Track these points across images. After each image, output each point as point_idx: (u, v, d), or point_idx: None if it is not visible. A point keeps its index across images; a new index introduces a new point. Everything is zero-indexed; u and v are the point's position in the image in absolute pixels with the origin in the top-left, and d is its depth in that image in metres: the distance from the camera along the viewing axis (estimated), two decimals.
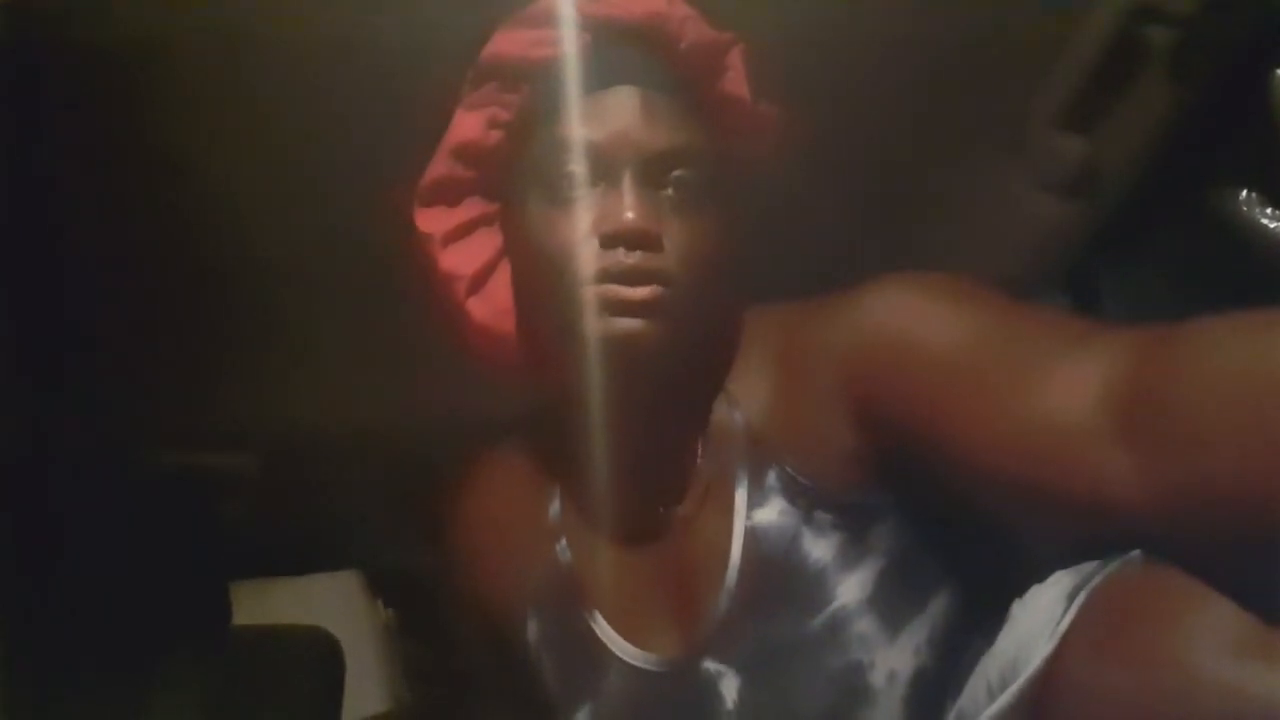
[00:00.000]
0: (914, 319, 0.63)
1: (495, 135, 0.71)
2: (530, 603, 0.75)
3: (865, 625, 0.64)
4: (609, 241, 0.64)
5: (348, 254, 0.84)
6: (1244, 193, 0.84)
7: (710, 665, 0.68)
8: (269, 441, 1.04)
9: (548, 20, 0.68)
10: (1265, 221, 0.84)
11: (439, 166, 0.72)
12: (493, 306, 0.73)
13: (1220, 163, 0.87)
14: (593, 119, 0.66)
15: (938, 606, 0.66)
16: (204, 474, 1.06)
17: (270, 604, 1.15)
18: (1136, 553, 0.52)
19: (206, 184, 0.85)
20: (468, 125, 0.71)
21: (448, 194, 0.72)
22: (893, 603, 0.65)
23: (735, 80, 0.71)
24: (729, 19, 0.71)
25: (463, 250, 0.72)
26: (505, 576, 0.77)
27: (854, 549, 0.66)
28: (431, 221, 0.72)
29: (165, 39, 0.77)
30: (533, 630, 0.75)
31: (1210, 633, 0.47)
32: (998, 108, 0.89)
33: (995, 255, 0.95)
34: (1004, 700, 0.53)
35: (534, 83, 0.69)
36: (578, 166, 0.66)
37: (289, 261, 0.90)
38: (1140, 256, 0.96)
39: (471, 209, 0.73)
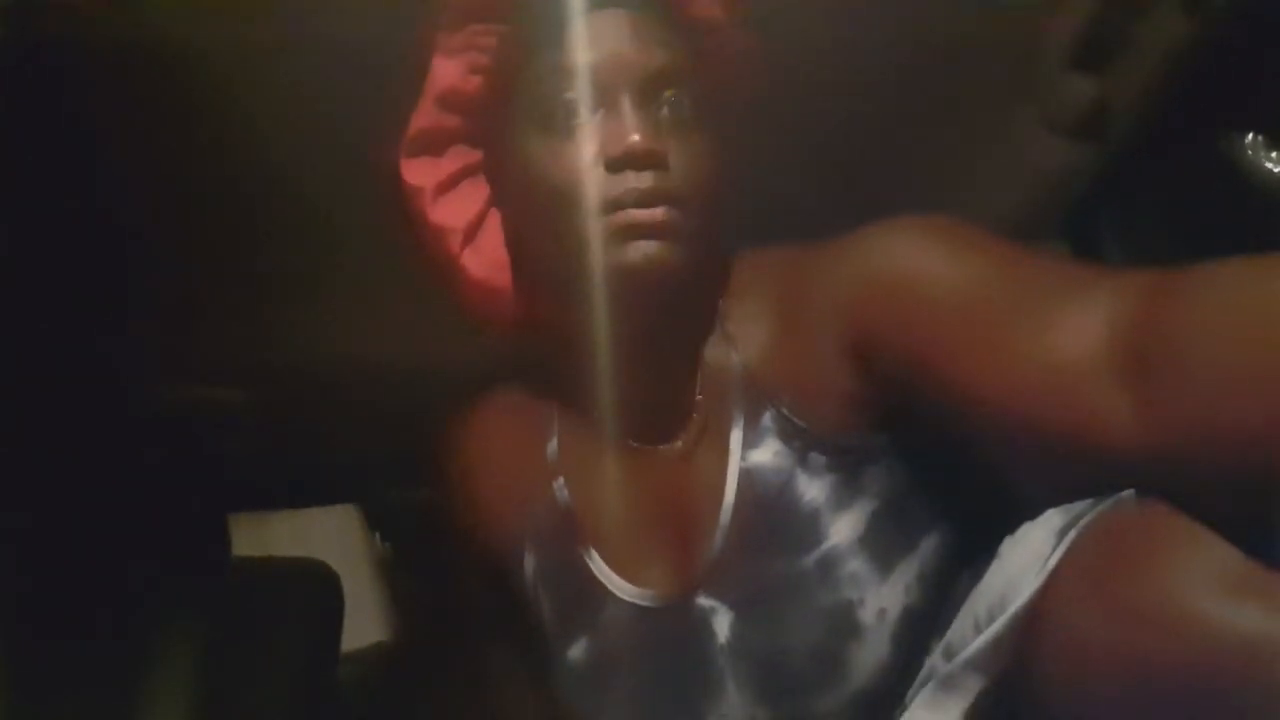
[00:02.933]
0: (914, 261, 0.63)
1: (475, 81, 0.69)
2: (527, 539, 0.76)
3: (856, 564, 0.65)
4: (617, 165, 0.63)
5: (347, 188, 0.83)
6: (1250, 136, 0.83)
7: (704, 601, 0.69)
8: (266, 375, 1.04)
9: None
10: (1271, 166, 0.83)
11: (423, 116, 0.70)
12: (486, 259, 0.72)
13: (1227, 106, 0.86)
14: (586, 42, 0.65)
15: (928, 546, 0.67)
16: (200, 407, 1.06)
17: (268, 537, 1.16)
18: (1129, 491, 0.53)
19: (219, 125, 0.84)
20: (448, 71, 0.69)
21: (434, 144, 0.71)
22: (884, 542, 0.66)
23: (709, 3, 0.70)
24: None
25: (453, 202, 0.72)
26: (503, 514, 0.78)
27: (847, 490, 0.66)
28: (419, 173, 0.71)
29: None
30: (529, 566, 0.75)
31: (1202, 571, 0.47)
32: (1005, 47, 0.87)
33: (998, 198, 0.94)
34: (990, 634, 0.54)
35: (514, 17, 0.68)
36: (577, 92, 0.64)
37: (287, 195, 0.89)
38: (1144, 201, 0.95)
39: (457, 158, 0.72)
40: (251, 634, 1.00)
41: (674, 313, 0.68)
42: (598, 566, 0.72)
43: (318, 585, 1.05)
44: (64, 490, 0.91)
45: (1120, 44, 0.86)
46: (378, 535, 1.24)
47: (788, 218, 0.72)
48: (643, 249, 0.63)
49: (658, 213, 0.63)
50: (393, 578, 1.22)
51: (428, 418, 0.82)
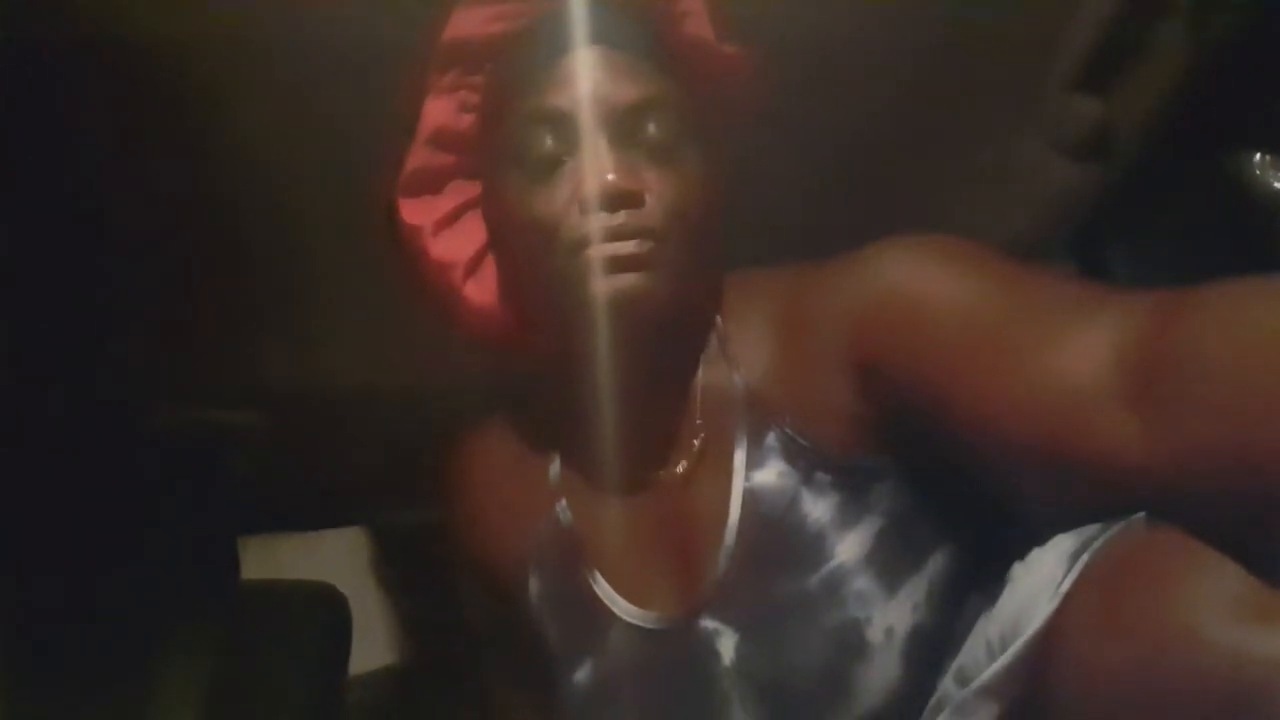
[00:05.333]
0: (919, 280, 0.63)
1: (467, 118, 0.71)
2: (531, 562, 0.76)
3: (863, 583, 0.65)
4: (592, 205, 0.64)
5: (351, 210, 0.84)
6: (1258, 156, 0.83)
7: (708, 624, 0.68)
8: (271, 398, 1.04)
9: None
10: (1278, 185, 0.83)
11: (418, 156, 0.72)
12: (489, 289, 0.73)
13: (1234, 125, 0.86)
14: (559, 85, 0.66)
15: (936, 565, 0.66)
16: (211, 429, 1.07)
17: (277, 560, 1.16)
18: (1140, 515, 0.52)
19: (217, 141, 0.84)
20: (439, 111, 0.71)
21: (430, 182, 0.72)
22: (891, 561, 0.65)
23: (696, 23, 0.70)
24: None
25: (454, 237, 0.73)
26: (507, 537, 0.77)
27: (853, 509, 0.66)
28: (418, 212, 0.72)
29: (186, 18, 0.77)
30: (534, 589, 0.75)
31: (1215, 596, 0.47)
32: (1010, 68, 0.88)
33: (1004, 218, 0.94)
34: (1004, 660, 0.53)
35: (496, 59, 0.69)
36: (551, 135, 0.66)
37: (298, 218, 0.89)
38: (1150, 220, 0.95)
39: (456, 194, 0.73)
40: (260, 657, 1.00)
41: (665, 340, 0.69)
42: (602, 589, 0.72)
43: (326, 608, 1.05)
44: (71, 511, 0.91)
45: (1124, 65, 0.86)
46: (386, 558, 1.24)
47: (793, 235, 0.72)
48: (620, 282, 0.64)
49: (633, 245, 0.64)
50: (400, 601, 1.21)
51: (431, 440, 0.82)
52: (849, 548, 0.65)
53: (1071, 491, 0.56)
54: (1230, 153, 0.85)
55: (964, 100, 0.88)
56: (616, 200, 0.64)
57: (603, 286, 0.64)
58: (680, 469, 0.71)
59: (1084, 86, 0.87)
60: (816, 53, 0.81)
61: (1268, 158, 0.83)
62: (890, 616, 0.64)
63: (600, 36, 0.67)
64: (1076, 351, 0.55)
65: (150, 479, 1.01)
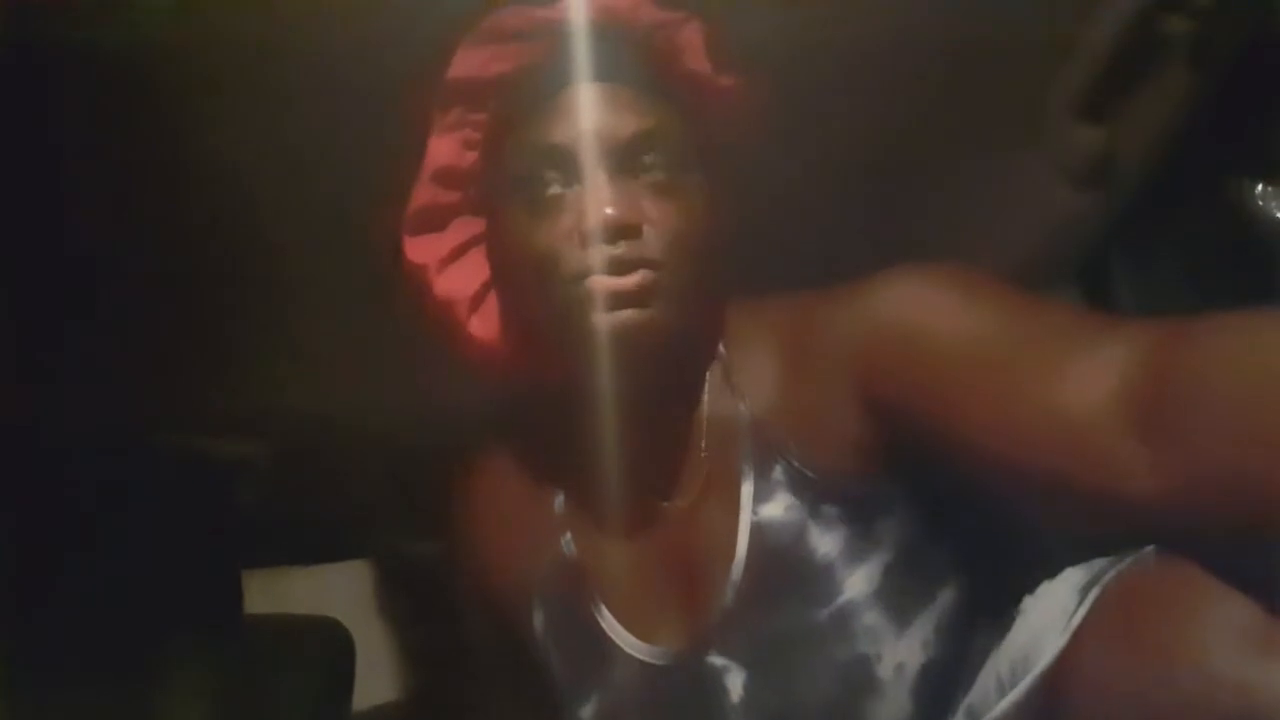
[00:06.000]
0: (926, 309, 0.63)
1: (471, 156, 0.71)
2: (536, 595, 0.75)
3: (872, 618, 0.64)
4: (591, 238, 0.65)
5: (359, 244, 0.84)
6: (1260, 186, 0.84)
7: (716, 659, 0.68)
8: (273, 426, 1.04)
9: (503, 34, 0.69)
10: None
11: (422, 194, 0.72)
12: (493, 323, 0.73)
13: (1236, 155, 0.86)
14: (559, 120, 0.67)
15: (945, 599, 0.66)
16: (215, 460, 1.07)
17: (281, 593, 1.16)
18: (1150, 548, 0.52)
19: (214, 170, 0.85)
20: (443, 149, 0.71)
21: (434, 220, 0.73)
22: (900, 596, 0.65)
23: (694, 57, 0.71)
24: (743, 12, 0.71)
25: (459, 273, 0.73)
26: (512, 570, 0.77)
27: (861, 542, 0.66)
28: (423, 251, 0.72)
29: (174, 40, 0.77)
30: (539, 622, 0.75)
31: (1226, 629, 0.46)
32: (1013, 97, 0.88)
33: (1008, 246, 0.94)
34: (1015, 695, 0.53)
35: (498, 97, 0.70)
36: (551, 170, 0.67)
37: (300, 250, 0.90)
38: (1154, 249, 0.95)
39: (461, 231, 0.73)
40: (264, 691, 0.99)
41: (667, 372, 0.69)
42: (608, 623, 0.72)
43: (331, 643, 1.05)
44: (76, 543, 0.91)
45: (1127, 94, 0.86)
46: (390, 591, 1.24)
47: (796, 260, 0.72)
48: (620, 317, 0.65)
49: (633, 279, 0.64)
50: (405, 635, 1.21)
51: (435, 470, 0.82)
52: (858, 582, 0.65)
53: (1078, 520, 0.55)
54: (1233, 181, 0.85)
55: (968, 126, 0.88)
56: (616, 232, 0.64)
57: (603, 320, 0.65)
58: (686, 502, 0.71)
59: (1087, 115, 0.87)
60: (820, 78, 0.81)
61: (1269, 188, 0.83)
62: (900, 653, 0.63)
63: (599, 71, 0.67)
64: (1083, 381, 0.55)
65: (154, 510, 1.01)
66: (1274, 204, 0.83)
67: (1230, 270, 0.87)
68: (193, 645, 0.97)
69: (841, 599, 0.65)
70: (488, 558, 0.79)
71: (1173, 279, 0.94)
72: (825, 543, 0.66)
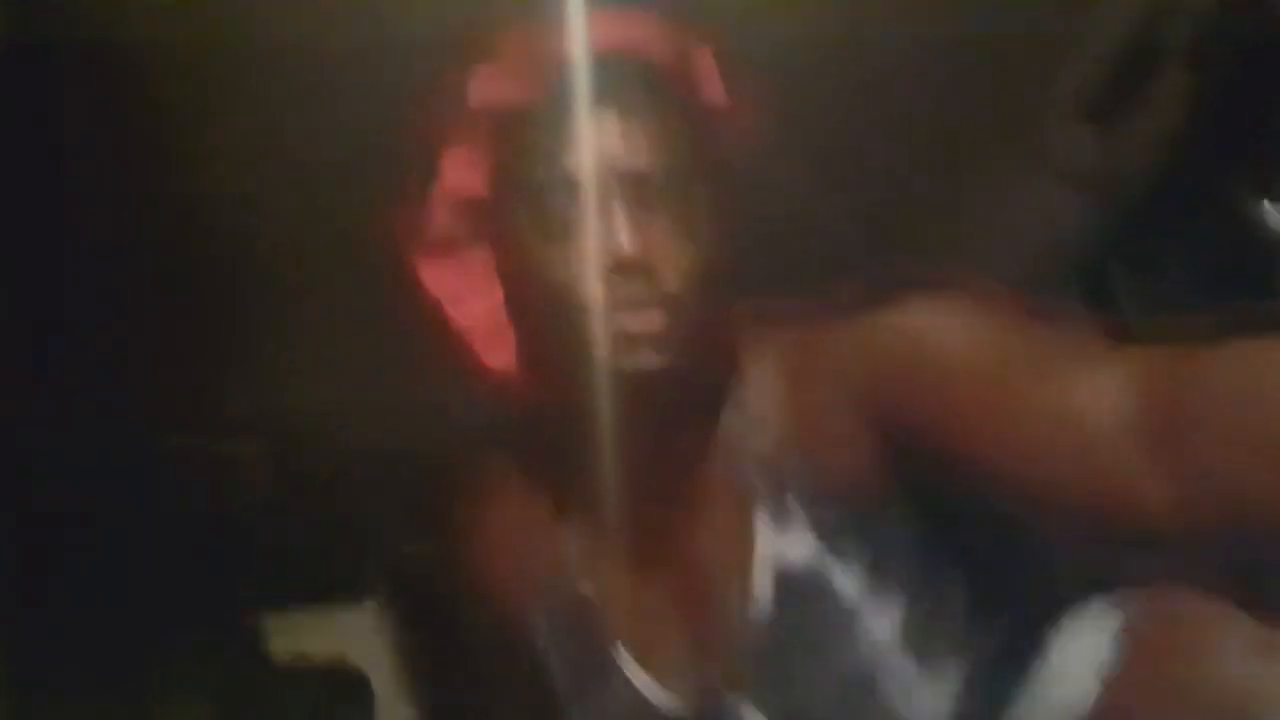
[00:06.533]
0: (938, 336, 0.62)
1: (484, 184, 0.70)
2: (550, 634, 0.74)
3: (899, 663, 0.63)
4: (606, 273, 0.64)
5: (359, 246, 0.84)
6: (1265, 203, 0.84)
7: (735, 702, 0.67)
8: (274, 426, 1.04)
9: (522, 62, 0.68)
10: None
11: (437, 219, 0.71)
12: (508, 351, 0.72)
13: (1239, 164, 0.86)
14: (573, 152, 0.66)
15: (971, 642, 0.65)
16: (212, 459, 1.06)
17: (298, 635, 1.14)
18: (1169, 584, 0.53)
19: (215, 174, 0.85)
20: (457, 177, 0.70)
21: (447, 247, 0.72)
22: (926, 637, 0.64)
23: (710, 87, 0.70)
24: (740, 23, 0.72)
25: (471, 300, 0.72)
26: (524, 607, 0.76)
27: (883, 582, 0.65)
28: (436, 277, 0.71)
29: (172, 39, 0.77)
30: (554, 661, 0.74)
31: (1257, 660, 0.47)
32: (1017, 104, 0.88)
33: (1012, 254, 0.94)
34: None
35: (515, 125, 0.69)
36: (565, 202, 0.66)
37: (288, 245, 0.89)
38: (1157, 257, 0.95)
39: (473, 258, 0.72)
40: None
41: (680, 405, 0.68)
42: (624, 662, 0.71)
43: (347, 685, 1.03)
44: (90, 581, 0.90)
45: (1126, 100, 0.86)
46: (399, 627, 1.22)
47: (804, 270, 0.72)
48: (636, 357, 0.64)
49: (650, 319, 0.64)
50: (417, 673, 1.19)
51: (443, 490, 0.81)
52: (882, 625, 0.64)
53: (1095, 537, 0.56)
54: (1236, 192, 0.85)
55: (972, 135, 0.88)
56: (630, 268, 0.64)
57: (620, 360, 0.64)
58: (702, 535, 0.70)
59: (1087, 120, 0.87)
60: (826, 91, 0.81)
61: (1277, 204, 0.83)
62: (926, 697, 0.63)
63: (619, 103, 0.67)
64: (1093, 398, 0.55)
65: (167, 542, 0.99)
66: (1275, 213, 0.83)
67: (1231, 276, 0.87)
68: (209, 686, 0.97)
69: (867, 641, 0.64)
70: (499, 595, 0.78)
71: (1173, 279, 0.93)
72: (848, 582, 0.65)
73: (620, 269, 0.64)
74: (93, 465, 0.95)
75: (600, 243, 0.65)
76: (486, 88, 0.69)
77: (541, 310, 0.67)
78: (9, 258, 0.83)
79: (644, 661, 0.70)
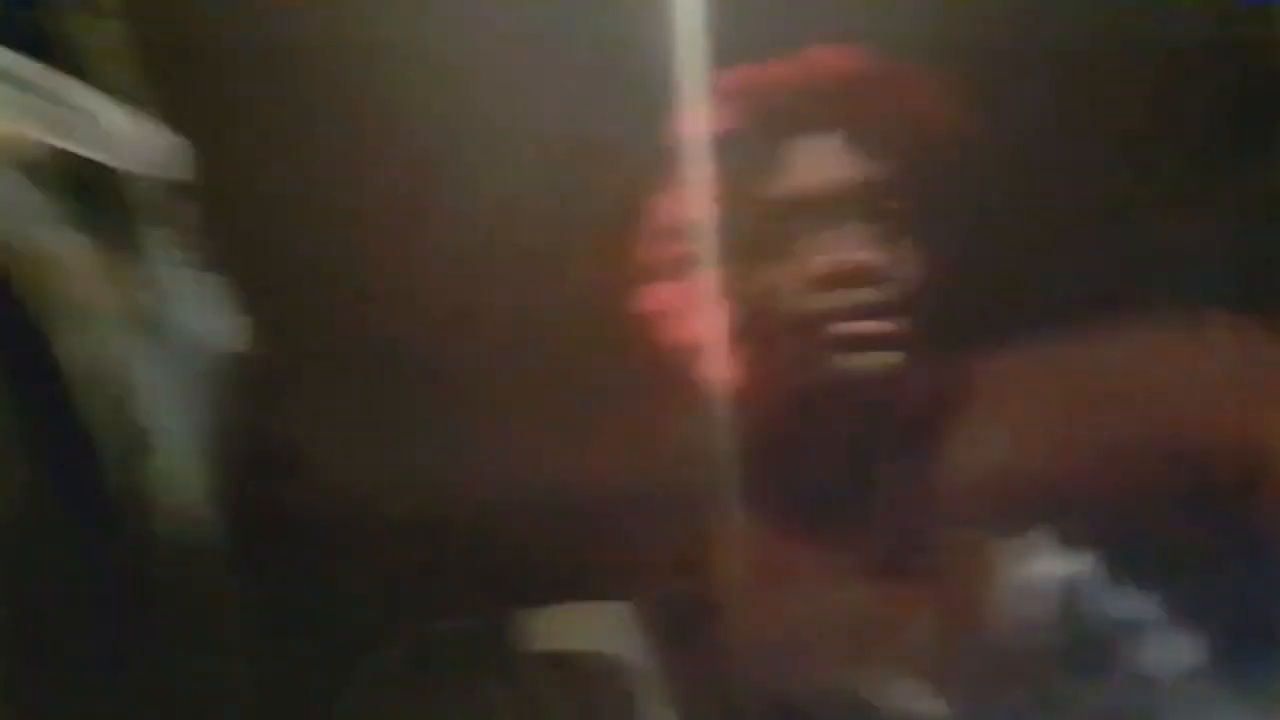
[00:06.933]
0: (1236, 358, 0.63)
1: (704, 210, 0.72)
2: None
3: (1194, 691, 0.61)
4: (832, 283, 0.67)
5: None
6: None
7: None
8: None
9: (737, 93, 0.71)
10: None
11: (656, 246, 0.74)
12: (727, 369, 0.73)
13: None
14: (794, 171, 0.69)
15: (1268, 670, 0.62)
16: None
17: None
18: None
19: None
20: (670, 205, 0.73)
21: (669, 271, 0.74)
22: (1225, 664, 0.62)
23: (921, 102, 0.71)
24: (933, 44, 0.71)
25: (692, 322, 0.73)
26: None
27: (1155, 609, 0.63)
28: (658, 301, 0.74)
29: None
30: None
31: None
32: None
33: (1237, 256, 0.89)
34: None
35: (733, 152, 0.71)
36: (788, 219, 0.69)
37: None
38: None
39: (694, 280, 0.73)
40: None
41: (910, 420, 0.69)
42: (879, 683, 0.69)
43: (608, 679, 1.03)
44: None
45: None
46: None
47: (1024, 287, 0.72)
48: (863, 359, 0.66)
49: (875, 325, 0.66)
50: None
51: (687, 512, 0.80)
52: (1171, 651, 0.62)
53: None
54: None
55: (1190, 139, 0.84)
56: (856, 278, 0.66)
57: (847, 364, 0.66)
58: (935, 562, 0.69)
59: None
60: (1037, 100, 0.79)
61: None
62: None
63: (835, 124, 0.69)
64: None
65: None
66: None
67: None
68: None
69: (1148, 670, 0.62)
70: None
71: None
72: (1118, 605, 0.63)
73: (843, 277, 0.67)
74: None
75: (824, 254, 0.68)
76: (697, 120, 0.71)
77: (768, 327, 0.69)
78: None
79: (898, 680, 0.69)
